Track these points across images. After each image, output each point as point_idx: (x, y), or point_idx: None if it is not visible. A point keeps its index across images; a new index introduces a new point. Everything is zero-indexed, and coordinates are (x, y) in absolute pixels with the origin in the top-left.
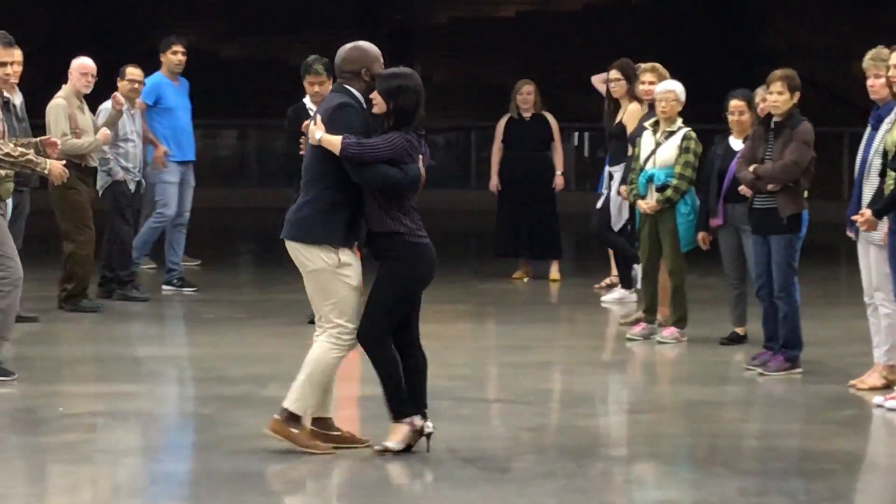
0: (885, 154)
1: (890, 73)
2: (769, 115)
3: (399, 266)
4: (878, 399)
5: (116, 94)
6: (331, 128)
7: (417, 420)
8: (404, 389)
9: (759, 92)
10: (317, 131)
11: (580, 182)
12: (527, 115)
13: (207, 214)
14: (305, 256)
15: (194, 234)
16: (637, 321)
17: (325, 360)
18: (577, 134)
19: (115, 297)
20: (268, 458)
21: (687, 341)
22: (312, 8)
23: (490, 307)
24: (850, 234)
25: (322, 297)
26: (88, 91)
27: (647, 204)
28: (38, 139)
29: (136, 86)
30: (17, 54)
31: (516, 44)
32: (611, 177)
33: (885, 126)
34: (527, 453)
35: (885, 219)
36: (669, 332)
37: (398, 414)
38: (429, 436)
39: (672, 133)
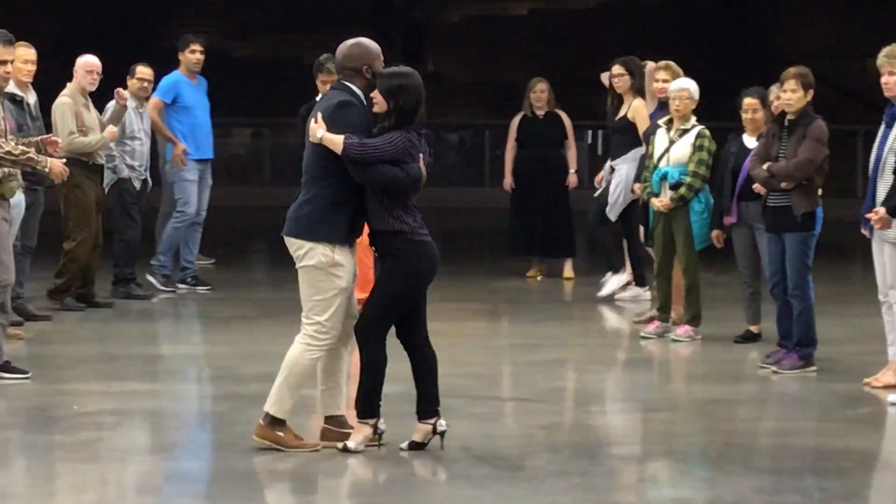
0: None
1: None
2: (783, 113)
3: (400, 264)
4: (892, 397)
5: (119, 89)
6: (332, 126)
7: (381, 424)
8: (380, 394)
9: (773, 90)
10: (318, 130)
11: (594, 180)
12: (540, 113)
13: (221, 213)
14: (303, 252)
15: (208, 232)
16: (651, 319)
17: (301, 361)
18: (590, 132)
19: (118, 294)
20: (282, 456)
21: (701, 339)
22: (325, 6)
23: (504, 305)
24: (865, 231)
25: (310, 293)
26: (93, 89)
27: (661, 202)
28: (38, 138)
29: (146, 84)
30: (30, 53)
31: (529, 42)
32: (612, 170)
33: None
34: (540, 452)
35: None
36: (683, 330)
37: (364, 414)
38: (442, 434)
39: (686, 131)
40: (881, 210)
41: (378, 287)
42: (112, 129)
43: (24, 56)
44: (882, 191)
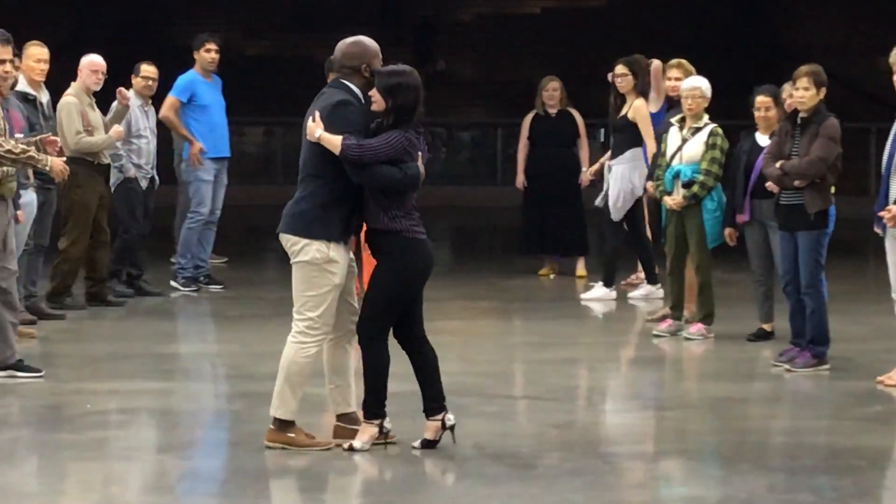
0: None
1: None
2: (795, 111)
3: (394, 262)
4: None
5: (121, 89)
6: (330, 126)
7: (386, 423)
8: (384, 393)
9: (786, 88)
10: (316, 129)
11: (592, 177)
12: (553, 111)
13: (233, 212)
14: (298, 248)
15: (220, 231)
16: (664, 318)
17: (297, 360)
18: (602, 130)
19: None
20: (295, 455)
21: (714, 338)
22: (337, 5)
23: (516, 304)
24: (878, 230)
25: (303, 288)
26: (98, 88)
27: (674, 200)
28: (37, 137)
29: (150, 83)
30: (43, 52)
31: (542, 40)
32: (610, 170)
33: None
34: (553, 450)
35: None
36: (696, 328)
37: (370, 415)
38: (452, 428)
39: (698, 129)
40: (894, 208)
41: (373, 286)
42: (118, 129)
43: (37, 55)
44: (895, 189)
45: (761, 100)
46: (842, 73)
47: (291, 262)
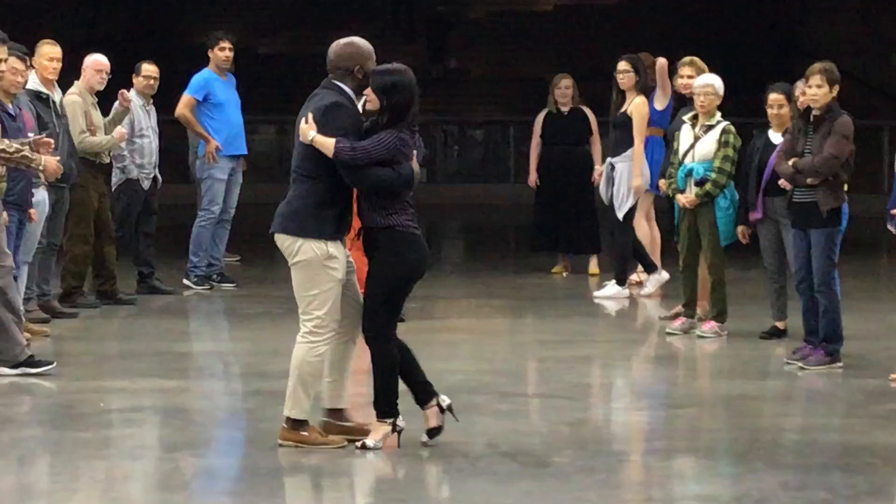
0: None
1: None
2: (808, 109)
3: (388, 256)
4: None
5: (123, 90)
6: (323, 128)
7: (400, 421)
8: (396, 391)
9: (799, 85)
10: (309, 131)
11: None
12: (565, 109)
13: (246, 210)
14: (296, 247)
15: (232, 229)
16: (677, 315)
17: (309, 360)
18: None
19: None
20: (308, 453)
21: (727, 336)
22: (349, 3)
23: (529, 302)
24: (891, 227)
25: (306, 288)
26: (102, 87)
27: (686, 198)
28: (31, 139)
29: (152, 82)
30: (55, 51)
31: (554, 38)
32: (611, 167)
33: None
34: (566, 448)
35: None
36: (709, 326)
37: (383, 414)
38: (450, 407)
39: (711, 127)
40: None
41: (370, 284)
42: (122, 131)
43: (50, 53)
44: None
45: (774, 97)
46: (855, 70)
47: (290, 263)
